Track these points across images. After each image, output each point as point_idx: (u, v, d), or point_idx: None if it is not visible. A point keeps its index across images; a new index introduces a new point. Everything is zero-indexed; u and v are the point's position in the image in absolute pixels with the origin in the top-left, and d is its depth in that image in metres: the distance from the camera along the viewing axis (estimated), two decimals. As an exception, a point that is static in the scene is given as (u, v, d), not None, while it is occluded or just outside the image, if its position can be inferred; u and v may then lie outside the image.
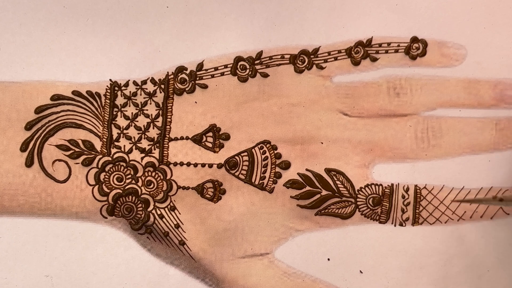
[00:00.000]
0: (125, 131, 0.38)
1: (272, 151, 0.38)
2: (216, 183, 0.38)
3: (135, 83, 0.38)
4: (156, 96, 0.38)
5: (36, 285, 0.37)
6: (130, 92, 0.38)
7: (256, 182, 0.38)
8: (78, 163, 0.37)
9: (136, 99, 0.38)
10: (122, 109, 0.38)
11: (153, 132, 0.38)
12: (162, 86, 0.38)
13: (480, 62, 0.39)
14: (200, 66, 0.38)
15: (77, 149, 0.37)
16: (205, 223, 0.38)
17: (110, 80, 0.38)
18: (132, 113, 0.38)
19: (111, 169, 0.37)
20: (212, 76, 0.38)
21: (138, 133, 0.38)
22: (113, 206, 0.37)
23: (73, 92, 0.37)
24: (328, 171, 0.38)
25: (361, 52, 0.39)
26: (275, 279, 0.38)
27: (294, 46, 0.39)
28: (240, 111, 0.38)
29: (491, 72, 0.39)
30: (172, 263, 0.38)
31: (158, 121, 0.38)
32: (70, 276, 0.37)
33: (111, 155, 0.37)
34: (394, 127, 0.39)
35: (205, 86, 0.38)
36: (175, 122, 0.38)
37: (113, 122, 0.38)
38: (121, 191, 0.37)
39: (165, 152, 0.38)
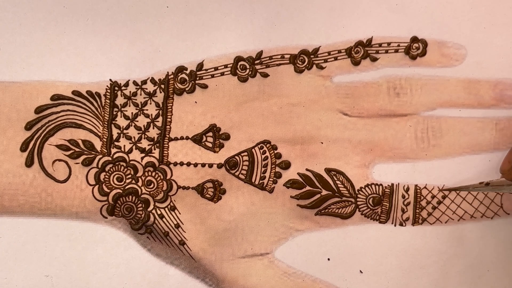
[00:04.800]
0: (125, 131, 0.38)
1: (272, 151, 0.38)
2: (216, 183, 0.38)
3: (135, 83, 0.38)
4: (156, 96, 0.38)
5: (36, 285, 0.37)
6: (130, 92, 0.38)
7: (256, 182, 0.38)
8: (78, 163, 0.37)
9: (136, 99, 0.38)
10: (122, 109, 0.38)
11: (153, 132, 0.38)
12: (162, 86, 0.38)
13: (480, 62, 0.39)
14: (200, 66, 0.38)
15: (77, 149, 0.37)
16: (205, 223, 0.38)
17: (110, 80, 0.38)
18: (132, 113, 0.38)
19: (111, 169, 0.37)
20: (212, 76, 0.38)
21: (138, 133, 0.38)
22: (113, 206, 0.37)
23: (73, 92, 0.37)
24: (328, 171, 0.38)
25: (361, 52, 0.39)
26: (275, 279, 0.38)
27: (294, 46, 0.39)
28: (240, 111, 0.38)
29: (491, 72, 0.39)
30: (172, 263, 0.38)
31: (158, 121, 0.38)
32: (70, 276, 0.37)
33: (111, 155, 0.37)
34: (394, 127, 0.39)
35: (205, 86, 0.38)
36: (175, 122, 0.38)
37: (113, 122, 0.38)
38: (121, 191, 0.37)
39: (165, 152, 0.37)
